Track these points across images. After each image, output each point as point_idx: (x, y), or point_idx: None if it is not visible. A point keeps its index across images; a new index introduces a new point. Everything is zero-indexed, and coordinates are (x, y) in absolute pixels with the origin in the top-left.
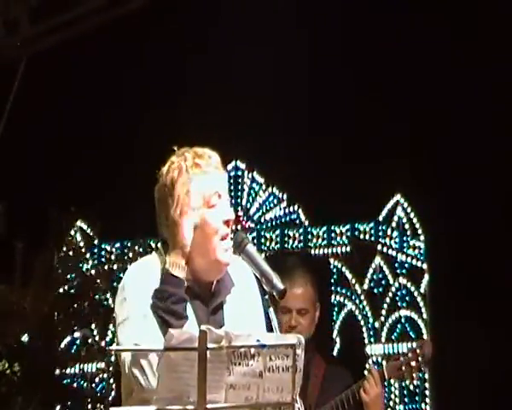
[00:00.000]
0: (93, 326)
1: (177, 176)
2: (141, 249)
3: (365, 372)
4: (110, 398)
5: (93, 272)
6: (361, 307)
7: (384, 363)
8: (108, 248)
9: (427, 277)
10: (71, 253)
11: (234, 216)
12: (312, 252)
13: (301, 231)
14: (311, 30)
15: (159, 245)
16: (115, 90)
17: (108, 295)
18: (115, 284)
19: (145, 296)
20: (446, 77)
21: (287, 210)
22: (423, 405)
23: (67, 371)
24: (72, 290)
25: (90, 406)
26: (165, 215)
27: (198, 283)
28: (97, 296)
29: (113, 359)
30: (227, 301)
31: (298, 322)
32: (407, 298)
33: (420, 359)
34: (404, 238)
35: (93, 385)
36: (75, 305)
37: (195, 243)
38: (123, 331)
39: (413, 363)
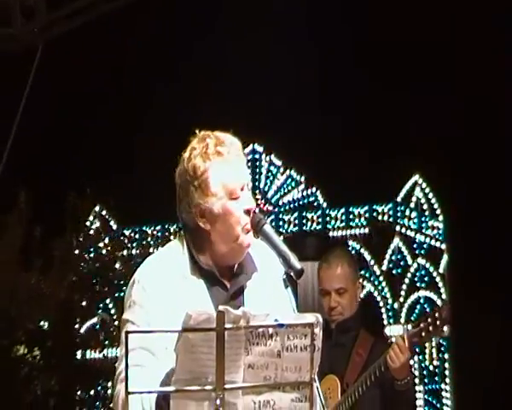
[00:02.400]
0: (112, 311)
1: (199, 163)
2: (159, 234)
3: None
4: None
5: (112, 256)
6: (380, 288)
7: (405, 331)
8: (127, 233)
9: (446, 257)
10: (89, 238)
11: (255, 205)
12: (331, 234)
13: (319, 213)
14: (327, 15)
15: (181, 231)
16: (134, 76)
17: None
18: (134, 268)
19: (155, 302)
20: (462, 57)
21: (305, 192)
22: (443, 385)
23: (88, 354)
24: (91, 275)
25: (110, 390)
26: (186, 201)
27: (218, 267)
28: (116, 281)
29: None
30: (248, 286)
31: (337, 302)
32: (426, 279)
33: (438, 323)
34: (423, 219)
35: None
36: (94, 289)
37: (217, 231)
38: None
39: (431, 328)
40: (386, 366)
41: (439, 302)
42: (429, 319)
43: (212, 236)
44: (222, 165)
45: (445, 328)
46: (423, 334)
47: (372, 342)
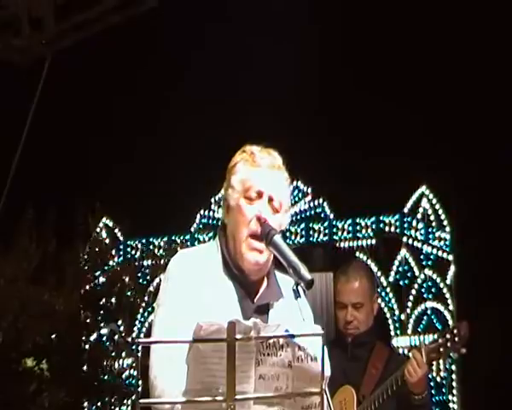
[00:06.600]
0: (120, 322)
1: (235, 159)
2: (166, 245)
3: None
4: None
5: (119, 268)
6: (387, 299)
7: (423, 346)
8: (134, 244)
9: (453, 268)
10: (97, 249)
11: (266, 216)
12: (337, 245)
13: (326, 224)
14: (335, 28)
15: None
16: (143, 89)
17: (135, 291)
18: (141, 280)
19: (183, 289)
20: (468, 65)
21: (312, 204)
22: (450, 396)
23: (95, 366)
24: (99, 287)
25: (117, 401)
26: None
27: (243, 276)
28: (123, 292)
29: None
30: (273, 307)
31: (354, 316)
32: (433, 290)
33: (456, 339)
34: (430, 230)
35: (120, 380)
36: (102, 301)
37: (230, 226)
38: (156, 320)
39: (449, 344)
40: (403, 379)
41: (446, 313)
42: (448, 335)
43: (227, 231)
44: (249, 165)
45: (463, 346)
46: (441, 350)
47: (388, 355)
